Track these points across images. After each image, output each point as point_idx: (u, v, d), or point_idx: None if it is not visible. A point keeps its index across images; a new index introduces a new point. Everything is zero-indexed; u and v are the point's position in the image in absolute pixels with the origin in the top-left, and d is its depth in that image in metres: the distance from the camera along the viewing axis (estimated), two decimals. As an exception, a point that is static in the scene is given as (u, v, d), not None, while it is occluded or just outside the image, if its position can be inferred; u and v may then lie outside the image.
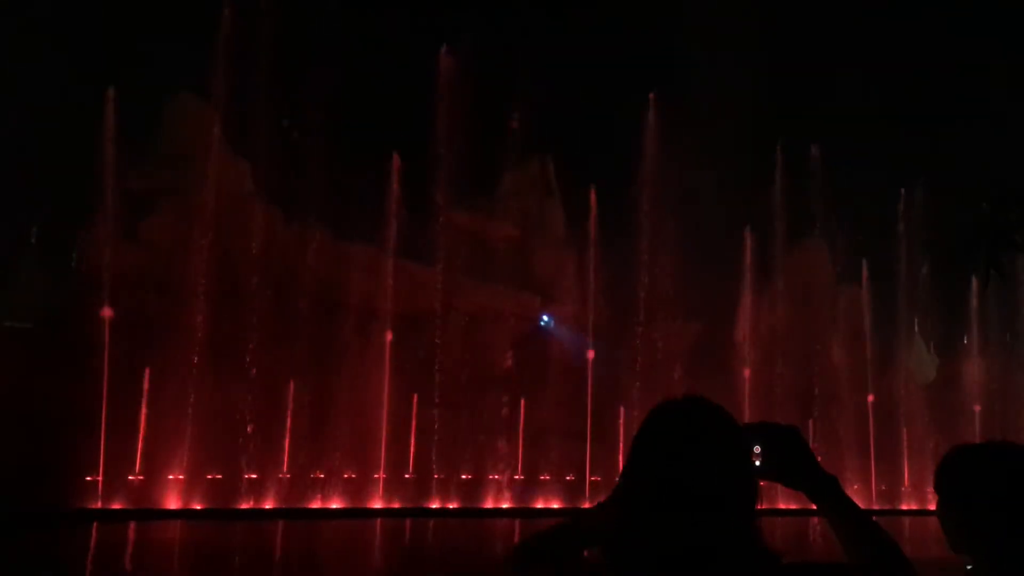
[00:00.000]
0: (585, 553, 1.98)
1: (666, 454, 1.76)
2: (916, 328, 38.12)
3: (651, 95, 32.78)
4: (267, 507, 24.41)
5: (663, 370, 31.58)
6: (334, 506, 25.40)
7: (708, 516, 1.70)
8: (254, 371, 25.99)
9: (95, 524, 20.61)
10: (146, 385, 24.50)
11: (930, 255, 35.68)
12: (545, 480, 29.84)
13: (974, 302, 36.83)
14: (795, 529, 20.71)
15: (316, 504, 25.35)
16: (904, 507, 32.07)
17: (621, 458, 30.26)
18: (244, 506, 24.19)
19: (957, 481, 2.21)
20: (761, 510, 1.79)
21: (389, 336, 28.42)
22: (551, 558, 1.98)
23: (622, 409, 30.46)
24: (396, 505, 26.24)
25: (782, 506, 24.52)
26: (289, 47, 27.82)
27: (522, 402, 30.39)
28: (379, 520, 24.45)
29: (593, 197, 32.36)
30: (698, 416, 1.80)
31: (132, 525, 21.06)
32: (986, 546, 2.13)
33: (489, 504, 27.79)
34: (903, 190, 36.92)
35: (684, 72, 31.54)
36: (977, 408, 36.50)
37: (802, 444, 1.94)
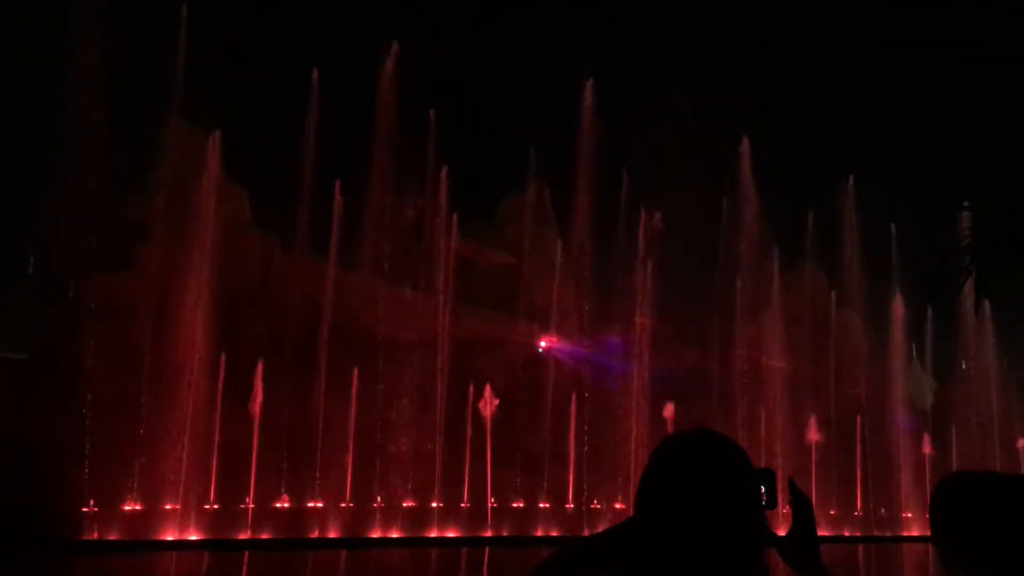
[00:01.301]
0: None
1: (678, 483, 1.74)
2: (914, 353, 38.18)
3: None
4: (265, 537, 24.22)
5: (658, 397, 31.68)
6: (332, 535, 25.20)
7: (718, 543, 1.70)
8: (250, 399, 25.96)
9: (87, 556, 20.42)
10: (143, 414, 24.35)
11: (925, 281, 35.87)
12: (544, 507, 29.68)
13: (970, 326, 36.87)
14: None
15: (314, 534, 25.14)
16: (905, 533, 31.94)
17: (619, 486, 30.33)
18: (242, 536, 24.00)
19: (949, 509, 2.23)
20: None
21: (383, 362, 28.36)
22: None
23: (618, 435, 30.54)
24: (395, 534, 26.07)
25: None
26: (285, 75, 28.14)
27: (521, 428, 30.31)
28: (376, 550, 24.30)
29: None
30: (709, 447, 1.80)
31: (126, 557, 20.89)
32: (978, 573, 2.16)
33: (489, 533, 27.63)
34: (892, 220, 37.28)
35: (676, 93, 31.85)
36: (975, 431, 36.45)
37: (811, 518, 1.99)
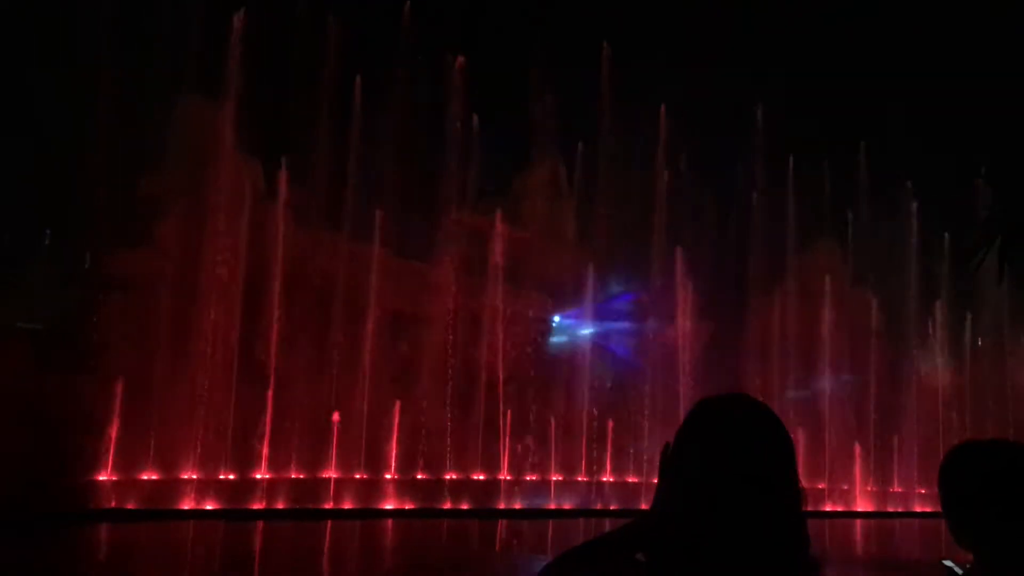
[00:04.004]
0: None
1: (716, 448, 1.70)
2: (929, 330, 37.87)
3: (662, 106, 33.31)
4: (279, 507, 24.46)
5: (674, 371, 31.72)
6: (346, 506, 25.41)
7: (758, 510, 1.65)
8: (267, 372, 26.15)
9: (107, 525, 20.72)
10: (159, 386, 24.54)
11: (945, 254, 35.61)
12: (557, 480, 29.81)
13: (989, 302, 36.56)
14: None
15: (328, 505, 25.35)
16: (918, 509, 31.90)
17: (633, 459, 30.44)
18: (256, 506, 24.24)
19: (953, 480, 2.21)
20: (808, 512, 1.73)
21: (397, 336, 28.49)
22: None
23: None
24: (409, 506, 26.26)
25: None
26: (300, 47, 28.02)
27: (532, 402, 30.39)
28: (390, 520, 24.50)
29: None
30: (748, 411, 1.75)
31: (144, 525, 21.17)
32: (983, 543, 2.14)
33: (501, 505, 27.80)
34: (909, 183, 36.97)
35: (694, 70, 31.57)
36: (992, 409, 36.22)
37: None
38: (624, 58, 33.20)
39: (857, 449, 32.90)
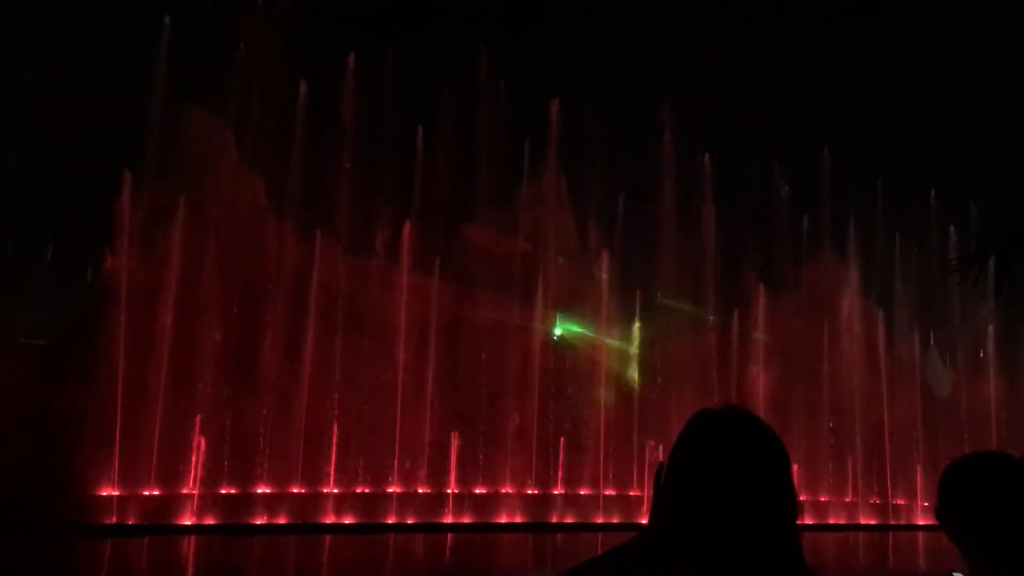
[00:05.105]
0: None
1: (712, 459, 1.70)
2: (932, 341, 37.83)
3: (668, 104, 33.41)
4: (281, 522, 24.38)
5: (676, 380, 31.75)
6: (347, 521, 25.33)
7: (755, 520, 1.66)
8: (268, 385, 26.12)
9: (109, 540, 20.66)
10: (161, 400, 24.50)
11: (944, 264, 35.59)
12: (559, 494, 29.69)
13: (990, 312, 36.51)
14: (808, 543, 20.47)
15: (329, 519, 25.27)
16: (920, 522, 31.76)
17: (635, 472, 30.38)
18: (258, 521, 24.17)
19: (954, 488, 2.23)
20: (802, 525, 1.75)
21: (402, 350, 28.44)
22: None
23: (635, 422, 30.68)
24: (410, 520, 26.17)
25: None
26: (301, 61, 28.15)
27: (536, 415, 30.30)
28: (392, 535, 24.42)
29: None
30: (742, 423, 1.76)
31: (147, 540, 21.12)
32: (982, 550, 2.15)
33: (503, 519, 27.69)
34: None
35: (697, 79, 31.77)
36: (995, 420, 36.13)
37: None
38: (624, 64, 33.39)
39: (859, 461, 32.84)
